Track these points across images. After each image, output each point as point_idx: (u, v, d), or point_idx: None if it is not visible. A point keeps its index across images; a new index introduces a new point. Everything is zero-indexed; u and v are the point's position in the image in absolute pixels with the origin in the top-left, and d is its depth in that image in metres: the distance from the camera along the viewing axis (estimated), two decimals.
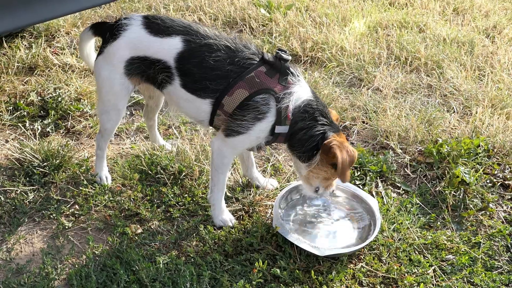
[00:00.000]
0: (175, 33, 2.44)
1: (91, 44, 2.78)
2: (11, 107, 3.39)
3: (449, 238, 2.65)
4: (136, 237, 2.54)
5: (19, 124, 3.25)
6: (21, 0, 2.20)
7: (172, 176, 2.89)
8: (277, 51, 2.44)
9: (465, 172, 2.95)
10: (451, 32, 4.55)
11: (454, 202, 2.87)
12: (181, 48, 2.42)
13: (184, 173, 2.89)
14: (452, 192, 2.90)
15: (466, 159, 3.07)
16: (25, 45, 4.03)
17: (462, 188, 2.92)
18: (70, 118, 3.35)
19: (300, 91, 2.41)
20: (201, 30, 2.47)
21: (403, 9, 5.08)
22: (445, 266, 2.51)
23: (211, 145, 2.59)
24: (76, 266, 2.39)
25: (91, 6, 2.87)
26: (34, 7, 2.23)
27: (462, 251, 2.59)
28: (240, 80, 2.39)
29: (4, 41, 3.96)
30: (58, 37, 4.21)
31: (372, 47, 4.27)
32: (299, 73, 2.47)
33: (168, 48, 2.43)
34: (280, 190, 2.80)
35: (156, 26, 2.46)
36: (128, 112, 3.49)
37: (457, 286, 2.40)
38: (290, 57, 2.45)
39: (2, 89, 3.53)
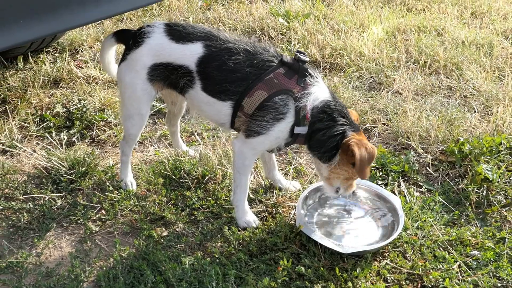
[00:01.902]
0: (196, 39, 2.50)
1: (113, 52, 2.86)
2: (38, 119, 3.48)
3: (473, 234, 2.64)
4: (162, 240, 2.59)
5: (46, 134, 3.33)
6: (48, 9, 2.29)
7: (195, 180, 2.93)
8: (296, 53, 2.49)
9: (487, 170, 2.94)
10: (470, 35, 4.56)
11: (477, 199, 2.86)
12: (202, 53, 2.48)
13: (207, 177, 2.94)
14: (475, 190, 2.89)
15: (488, 157, 3.07)
16: (50, 60, 4.14)
17: (485, 185, 2.91)
18: (94, 127, 3.42)
19: (318, 92, 2.44)
20: (221, 35, 2.53)
21: (420, 14, 5.10)
22: (470, 262, 2.50)
23: (232, 147, 2.63)
24: (104, 268, 2.44)
25: (112, 15, 2.95)
26: (61, 15, 2.31)
27: (487, 246, 2.58)
28: (259, 82, 2.43)
29: (30, 56, 4.07)
30: (81, 51, 4.31)
31: (391, 52, 4.29)
32: (317, 74, 2.50)
33: (189, 54, 2.49)
34: (302, 191, 2.82)
35: (178, 33, 2.52)
36: (151, 121, 3.56)
37: (483, 281, 2.39)
38: (308, 59, 2.49)
39: (29, 102, 3.62)
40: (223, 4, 5.20)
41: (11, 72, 3.92)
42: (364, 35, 4.51)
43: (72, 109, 3.51)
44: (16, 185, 2.89)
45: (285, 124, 2.45)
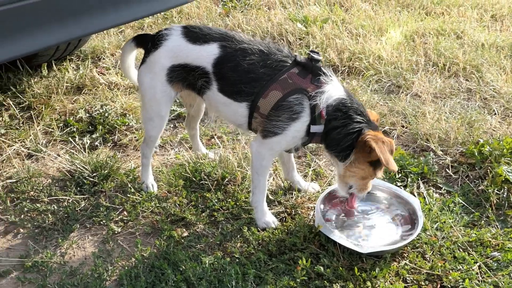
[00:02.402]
0: (212, 40, 2.55)
1: (133, 56, 2.92)
2: (62, 124, 3.55)
3: (494, 236, 2.63)
4: (183, 240, 2.62)
5: (70, 139, 3.40)
6: (70, 14, 2.36)
7: (215, 182, 2.97)
8: (309, 52, 2.52)
9: (508, 171, 2.93)
10: (490, 38, 4.54)
11: (497, 200, 2.85)
12: (218, 54, 2.52)
13: (227, 179, 2.97)
14: (496, 191, 2.88)
15: (508, 159, 3.05)
16: (73, 67, 4.23)
17: (505, 187, 2.90)
18: (116, 132, 3.49)
19: (332, 90, 2.46)
20: (237, 36, 2.57)
21: (439, 17, 5.09)
22: (490, 263, 2.49)
23: (250, 148, 2.66)
24: (126, 267, 2.48)
25: (131, 20, 3.01)
26: (82, 21, 2.38)
27: (507, 248, 2.56)
28: (273, 82, 2.46)
29: (54, 64, 4.16)
30: (103, 58, 4.39)
31: (410, 55, 4.30)
32: (331, 73, 2.52)
33: (206, 55, 2.53)
34: (321, 193, 2.84)
35: (195, 34, 2.57)
36: (172, 125, 3.61)
37: (503, 282, 2.38)
38: (321, 57, 2.52)
39: (53, 108, 3.70)
40: (242, 11, 5.26)
41: (35, 80, 4.01)
42: (383, 39, 4.52)
43: (95, 114, 3.59)
44: (41, 187, 2.96)
45: (301, 123, 2.47)
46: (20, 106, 3.72)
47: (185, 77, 2.59)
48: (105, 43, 4.56)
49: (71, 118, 3.60)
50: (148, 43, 2.63)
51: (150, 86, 2.63)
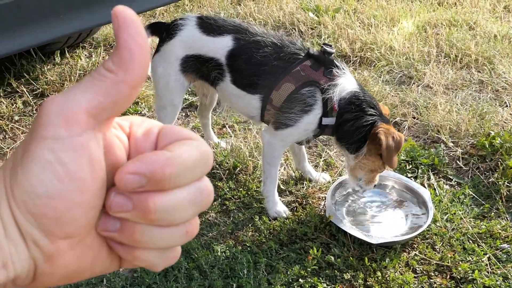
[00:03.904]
0: (226, 32, 2.56)
1: None
2: None
3: (503, 228, 2.65)
4: None
5: None
6: (85, 4, 2.38)
7: (227, 171, 3.00)
8: (322, 45, 2.53)
9: None
10: (502, 29, 4.52)
11: (508, 192, 2.86)
12: (231, 46, 2.54)
13: (238, 168, 3.00)
14: (506, 183, 2.89)
15: None
16: (85, 55, 4.25)
17: None
18: None
19: (345, 83, 2.48)
20: (251, 29, 2.58)
21: (452, 8, 5.07)
22: (500, 255, 2.51)
23: (261, 139, 2.68)
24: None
25: (145, 10, 3.02)
26: (96, 11, 2.40)
27: None
28: (286, 75, 2.48)
29: (66, 51, 4.19)
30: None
31: (422, 46, 4.29)
32: (344, 66, 2.54)
33: (219, 46, 2.55)
34: (332, 183, 2.86)
35: (209, 26, 2.59)
36: (184, 114, 3.64)
37: None
38: (334, 50, 2.53)
39: None
40: (253, 0, 5.26)
41: (48, 67, 4.04)
42: (395, 29, 4.51)
43: None
44: None
45: (313, 115, 2.49)
46: (34, 93, 3.75)
47: (198, 68, 2.61)
48: None
49: None
50: (163, 32, 2.65)
51: (164, 75, 2.66)
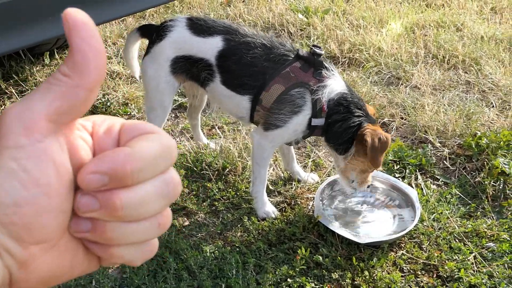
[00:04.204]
0: (216, 32, 2.58)
1: (136, 47, 2.95)
2: None
3: (489, 227, 2.68)
4: (184, 229, 2.67)
5: None
6: (77, 6, 2.38)
7: (216, 172, 3.01)
8: (311, 47, 2.55)
9: (504, 163, 2.98)
10: (489, 30, 4.57)
11: (494, 192, 2.90)
12: (222, 47, 2.55)
13: (228, 169, 3.02)
14: (492, 183, 2.93)
15: (505, 151, 3.10)
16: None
17: (502, 179, 2.94)
18: None
19: (334, 84, 2.50)
20: (241, 30, 2.60)
21: (439, 9, 5.11)
22: (485, 253, 2.55)
23: (251, 139, 2.70)
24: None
25: (137, 11, 3.03)
26: (89, 12, 2.41)
27: (502, 238, 2.62)
28: (276, 76, 2.50)
29: (56, 52, 4.19)
30: (105, 47, 4.41)
31: (410, 47, 4.32)
32: (333, 67, 2.57)
33: (210, 47, 2.57)
34: (320, 183, 2.88)
35: (199, 27, 2.60)
36: (173, 115, 3.65)
37: (497, 272, 2.43)
38: (323, 52, 2.55)
39: None
40: (243, 1, 5.27)
41: (37, 68, 4.04)
42: (383, 30, 4.54)
43: (97, 104, 3.62)
44: None
45: (303, 116, 2.51)
46: (22, 94, 3.75)
47: (188, 68, 2.62)
48: (107, 32, 4.58)
49: None
50: (153, 33, 2.66)
51: (154, 77, 2.67)
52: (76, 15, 0.46)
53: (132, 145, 0.49)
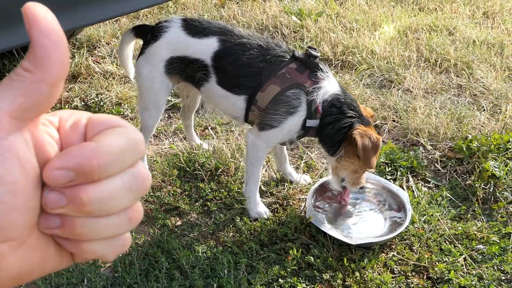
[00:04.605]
0: (211, 33, 2.59)
1: (131, 46, 2.95)
2: None
3: (479, 229, 2.71)
4: (176, 229, 2.68)
5: None
6: (70, 5, 2.39)
7: (209, 173, 3.02)
8: (307, 48, 2.57)
9: (495, 166, 3.00)
10: (481, 35, 4.60)
11: (484, 195, 2.93)
12: (217, 48, 2.56)
13: (220, 170, 3.03)
14: (482, 186, 2.96)
15: (496, 154, 3.13)
16: (68, 55, 4.25)
17: (492, 182, 2.97)
18: None
19: (328, 86, 2.52)
20: (236, 31, 2.61)
21: (432, 13, 5.15)
22: (475, 255, 2.57)
23: (246, 139, 2.72)
24: (120, 255, 2.53)
25: (131, 11, 3.04)
26: (82, 11, 2.41)
27: (492, 241, 2.64)
28: (272, 77, 2.51)
29: None
30: (99, 47, 4.42)
31: (402, 50, 4.35)
32: (327, 69, 2.58)
33: (205, 48, 2.58)
34: (313, 185, 2.90)
35: (194, 27, 2.61)
36: (166, 115, 3.66)
37: (487, 274, 2.46)
38: (319, 54, 2.57)
39: None
40: (237, 2, 5.29)
41: None
42: (376, 33, 4.57)
43: (90, 103, 3.62)
44: None
45: (298, 117, 2.53)
46: None
47: (183, 69, 2.63)
48: (101, 32, 4.58)
49: (66, 107, 3.63)
50: (148, 34, 2.67)
51: (148, 77, 2.67)
52: (36, 9, 0.45)
53: (99, 140, 0.48)
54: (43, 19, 0.45)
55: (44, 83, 0.46)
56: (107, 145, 0.48)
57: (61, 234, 0.50)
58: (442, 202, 2.87)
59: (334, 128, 2.50)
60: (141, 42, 2.81)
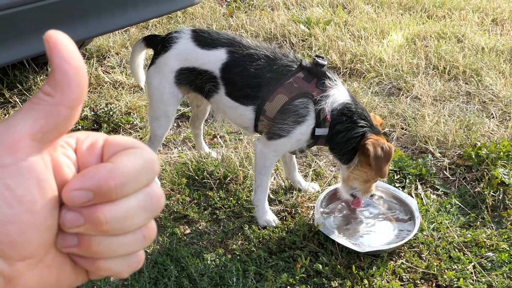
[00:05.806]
0: (220, 45, 2.61)
1: (142, 56, 2.98)
2: None
3: (488, 237, 2.70)
4: (185, 237, 2.69)
5: None
6: (79, 17, 2.43)
7: (217, 181, 3.04)
8: (314, 57, 2.58)
9: (504, 174, 3.00)
10: (490, 42, 4.60)
11: (493, 202, 2.92)
12: (226, 59, 2.59)
13: (229, 178, 3.04)
14: (491, 193, 2.95)
15: (505, 161, 3.12)
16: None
17: (501, 189, 2.96)
18: (121, 130, 3.56)
19: (337, 94, 2.53)
20: (244, 42, 2.63)
21: (441, 21, 5.15)
22: (484, 263, 2.56)
23: (254, 148, 2.73)
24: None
25: (138, 22, 3.07)
26: (90, 22, 2.45)
27: (502, 248, 2.63)
28: (279, 86, 2.53)
29: None
30: (108, 57, 4.46)
31: (411, 58, 4.36)
32: (336, 77, 2.59)
33: (214, 59, 2.60)
34: (321, 193, 2.90)
35: (204, 39, 2.64)
36: (176, 124, 3.68)
37: (497, 282, 2.45)
38: (326, 62, 2.58)
39: None
40: (245, 12, 5.33)
41: (41, 78, 4.08)
42: (384, 41, 4.58)
43: (100, 113, 3.65)
44: None
45: (306, 126, 2.54)
46: None
47: (192, 80, 2.65)
48: (110, 42, 4.63)
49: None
50: (158, 44, 2.70)
51: (158, 87, 2.70)
52: (56, 36, 0.47)
53: (115, 161, 0.50)
54: (64, 46, 0.47)
55: (63, 107, 0.48)
56: (124, 166, 0.49)
57: (78, 252, 0.52)
58: (451, 209, 2.87)
59: (345, 137, 2.51)
60: (152, 51, 2.84)
